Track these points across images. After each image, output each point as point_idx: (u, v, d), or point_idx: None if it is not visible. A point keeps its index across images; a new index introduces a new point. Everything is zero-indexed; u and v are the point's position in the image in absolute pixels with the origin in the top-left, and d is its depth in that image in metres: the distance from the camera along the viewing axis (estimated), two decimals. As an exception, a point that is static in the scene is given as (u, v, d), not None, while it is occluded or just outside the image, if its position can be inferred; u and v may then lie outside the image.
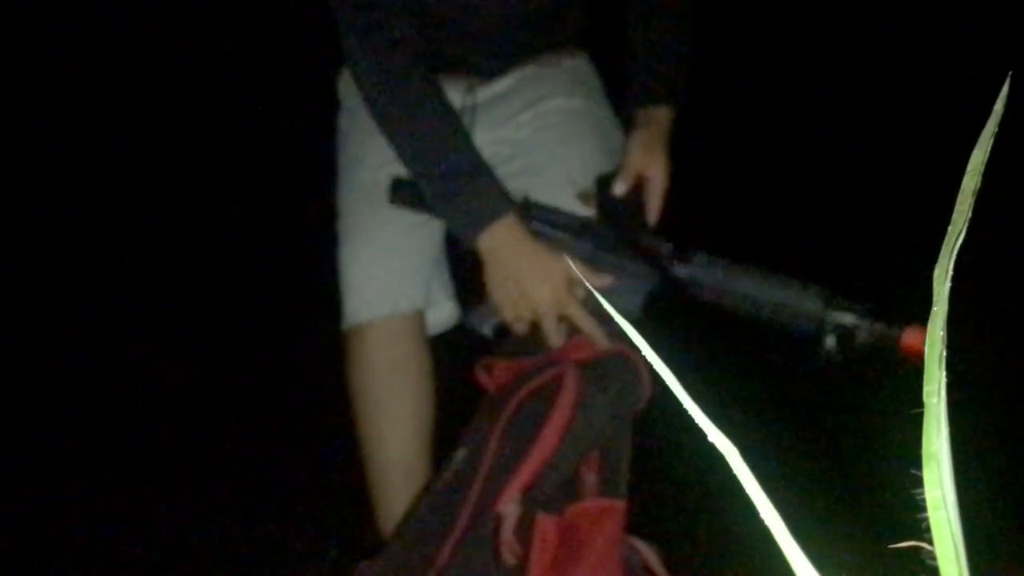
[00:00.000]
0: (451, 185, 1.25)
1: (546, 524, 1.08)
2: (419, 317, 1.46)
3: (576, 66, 1.53)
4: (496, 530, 1.07)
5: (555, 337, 1.24)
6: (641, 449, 1.26)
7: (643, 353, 0.30)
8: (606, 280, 1.26)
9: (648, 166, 1.32)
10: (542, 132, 1.44)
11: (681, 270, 1.23)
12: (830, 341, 1.16)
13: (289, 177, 2.93)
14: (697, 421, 0.29)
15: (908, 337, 1.14)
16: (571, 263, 1.25)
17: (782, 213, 2.92)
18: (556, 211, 1.30)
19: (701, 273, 1.22)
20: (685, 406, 0.29)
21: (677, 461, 1.73)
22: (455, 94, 1.44)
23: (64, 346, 2.63)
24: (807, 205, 2.89)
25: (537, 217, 1.28)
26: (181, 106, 3.35)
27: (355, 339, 1.44)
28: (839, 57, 3.24)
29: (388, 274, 1.40)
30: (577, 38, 1.54)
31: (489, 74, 1.47)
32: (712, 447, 0.29)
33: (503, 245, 1.24)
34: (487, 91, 1.48)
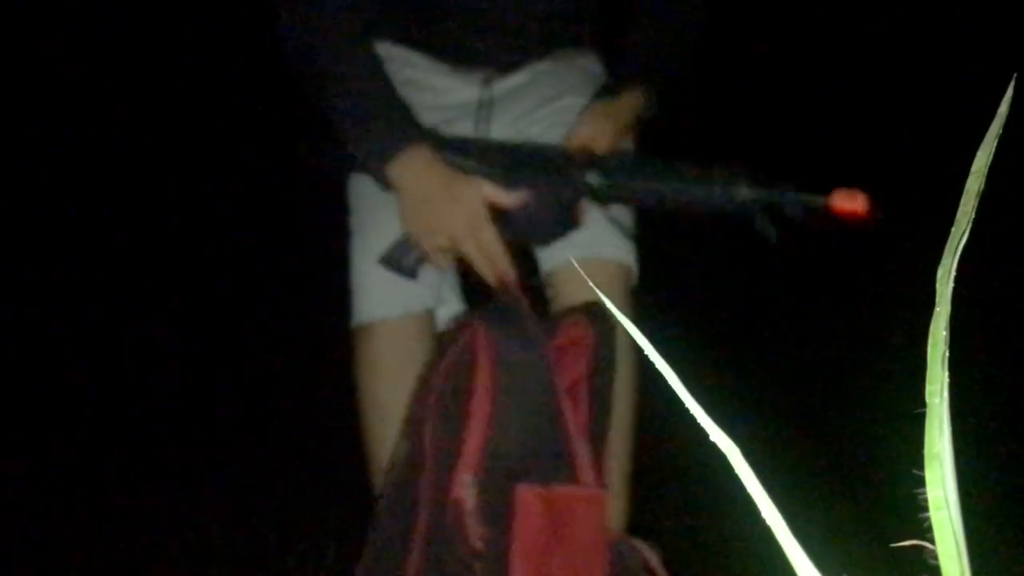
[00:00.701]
0: (364, 120, 1.27)
1: (527, 496, 1.04)
2: (429, 317, 1.46)
3: (588, 66, 1.53)
4: (459, 518, 1.03)
5: (484, 264, 1.23)
6: (642, 448, 1.25)
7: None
8: (519, 198, 1.25)
9: (595, 140, 1.29)
10: (553, 129, 1.45)
11: (599, 177, 1.24)
12: (760, 220, 1.17)
13: (298, 173, 2.93)
14: (698, 420, 0.29)
15: (838, 199, 1.15)
16: (484, 184, 1.24)
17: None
18: (465, 139, 1.31)
19: (620, 177, 1.23)
20: (687, 405, 0.29)
21: (678, 460, 1.73)
22: (472, 87, 1.44)
23: (64, 346, 2.63)
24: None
25: (448, 147, 1.28)
26: (183, 103, 3.35)
27: (364, 338, 1.43)
28: (839, 57, 3.24)
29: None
30: (590, 38, 1.54)
31: (505, 67, 1.48)
32: (713, 446, 0.29)
33: (414, 172, 1.24)
34: (504, 84, 1.48)
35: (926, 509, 0.28)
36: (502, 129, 1.44)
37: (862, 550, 1.32)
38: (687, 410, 0.29)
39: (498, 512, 1.04)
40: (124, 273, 2.94)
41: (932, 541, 0.28)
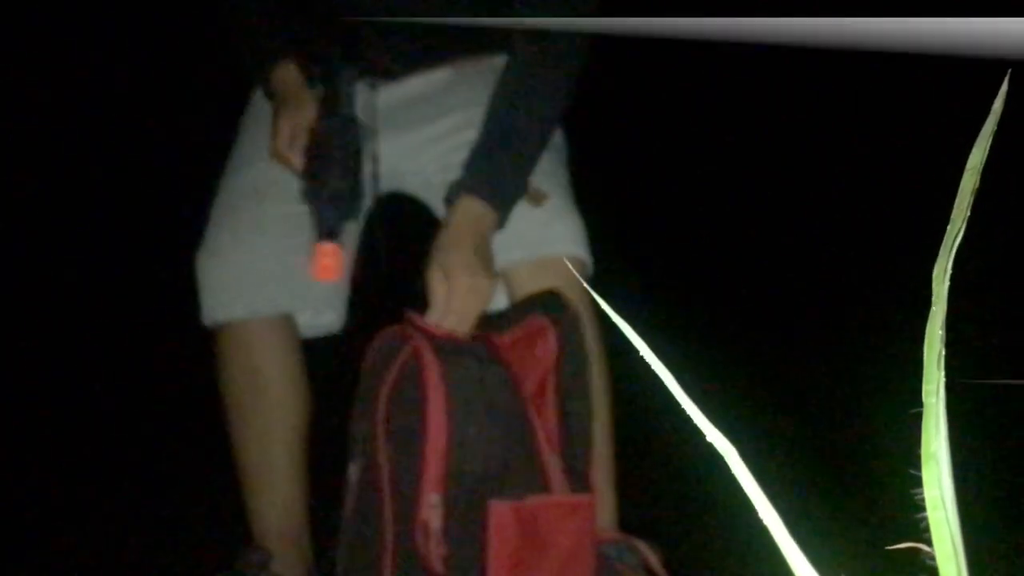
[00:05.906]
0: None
1: (502, 511, 1.02)
2: (284, 321, 1.38)
3: (494, 68, 1.39)
4: (426, 539, 1.02)
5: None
6: (641, 448, 1.25)
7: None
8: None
9: (435, 280, 1.17)
10: (448, 171, 1.32)
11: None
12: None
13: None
14: (695, 421, 0.29)
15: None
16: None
17: (781, 210, 2.93)
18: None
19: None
20: (683, 406, 0.29)
21: (676, 461, 1.73)
22: (361, 90, 1.37)
23: (52, 353, 2.63)
24: (806, 202, 2.89)
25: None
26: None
27: (217, 338, 1.38)
28: (837, 56, 3.24)
29: (246, 275, 1.33)
30: (499, 44, 1.40)
31: (391, 75, 1.41)
32: (711, 447, 0.29)
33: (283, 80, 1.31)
34: (390, 93, 1.41)
35: (923, 509, 0.28)
36: (390, 138, 1.37)
37: (859, 550, 1.32)
38: (684, 411, 0.29)
39: (469, 530, 1.03)
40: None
41: (929, 542, 0.28)
